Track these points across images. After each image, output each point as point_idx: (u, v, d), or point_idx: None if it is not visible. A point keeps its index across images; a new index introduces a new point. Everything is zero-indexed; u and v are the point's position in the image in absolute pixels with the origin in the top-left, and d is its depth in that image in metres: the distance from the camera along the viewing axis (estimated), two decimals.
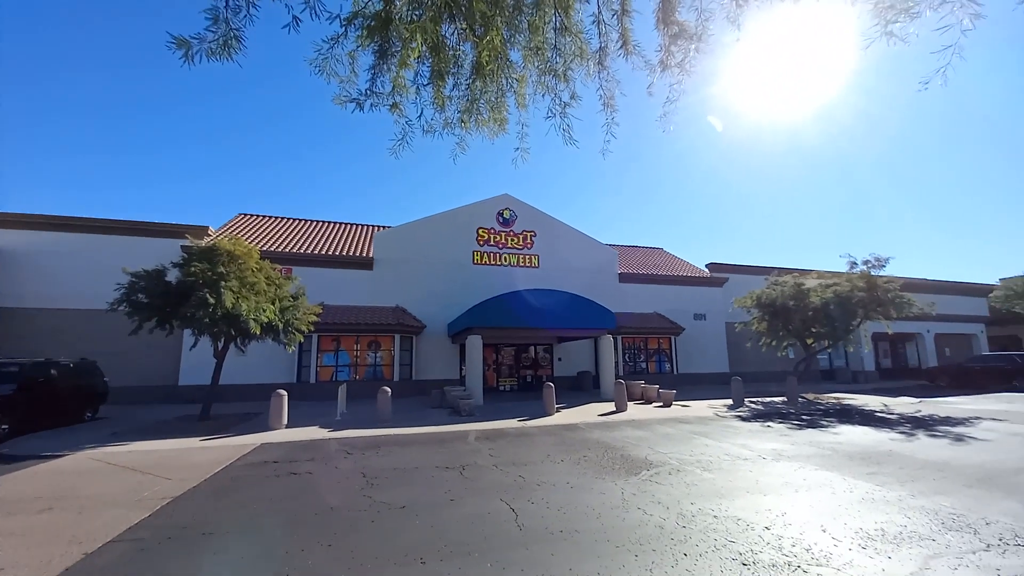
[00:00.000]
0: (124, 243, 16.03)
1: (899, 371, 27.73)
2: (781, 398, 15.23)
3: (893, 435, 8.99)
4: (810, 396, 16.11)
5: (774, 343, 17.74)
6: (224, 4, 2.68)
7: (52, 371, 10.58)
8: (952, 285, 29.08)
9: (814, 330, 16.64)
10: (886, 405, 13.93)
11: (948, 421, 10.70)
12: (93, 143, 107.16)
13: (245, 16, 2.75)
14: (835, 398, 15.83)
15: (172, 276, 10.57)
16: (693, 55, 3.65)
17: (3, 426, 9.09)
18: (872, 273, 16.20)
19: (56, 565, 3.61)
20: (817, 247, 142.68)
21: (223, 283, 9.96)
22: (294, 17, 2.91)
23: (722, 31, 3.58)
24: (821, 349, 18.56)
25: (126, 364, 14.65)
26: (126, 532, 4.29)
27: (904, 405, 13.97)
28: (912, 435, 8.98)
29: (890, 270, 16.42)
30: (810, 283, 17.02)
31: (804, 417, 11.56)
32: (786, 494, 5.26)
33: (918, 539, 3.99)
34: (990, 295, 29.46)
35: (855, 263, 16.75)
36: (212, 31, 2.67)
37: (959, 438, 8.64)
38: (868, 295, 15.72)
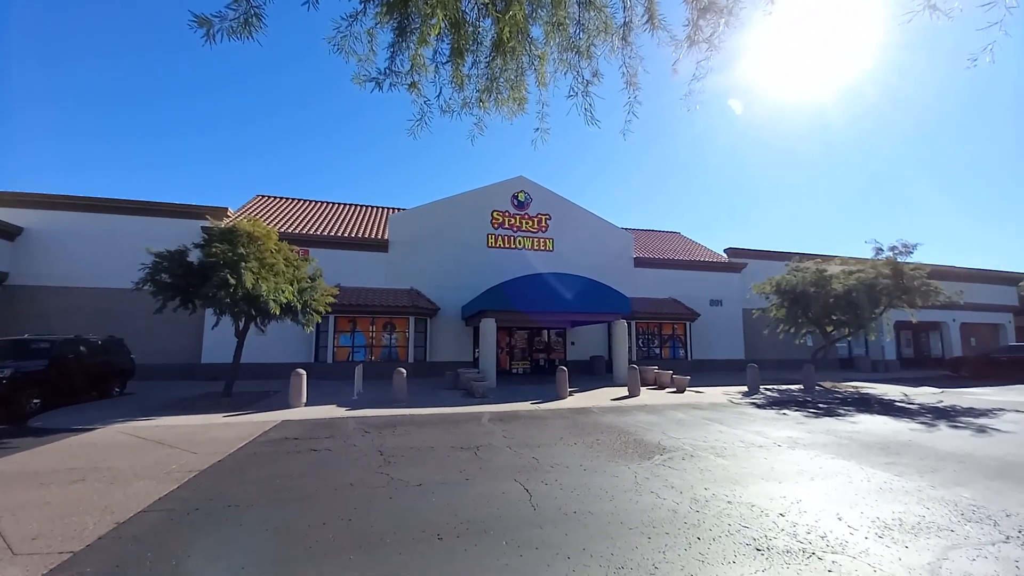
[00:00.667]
0: (145, 223, 16.37)
1: (922, 360, 27.13)
2: (798, 386, 15.06)
3: (913, 425, 8.84)
4: (828, 384, 15.89)
5: (792, 330, 17.45)
6: None
7: (81, 348, 10.97)
8: (980, 273, 28.12)
9: (835, 317, 16.30)
10: (907, 395, 13.67)
11: (971, 412, 10.47)
12: (114, 127, 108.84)
13: None
14: (853, 387, 15.59)
15: (193, 257, 10.78)
16: (722, 30, 3.50)
17: (35, 400, 9.50)
18: (899, 260, 15.73)
19: (90, 533, 3.79)
20: (840, 233, 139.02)
21: (243, 264, 10.12)
22: None
23: (753, 3, 3.42)
24: (841, 337, 18.22)
25: (151, 342, 15.12)
26: (155, 503, 4.47)
27: (926, 395, 13.69)
28: (933, 425, 8.81)
29: (917, 257, 15.93)
30: (833, 269, 16.62)
31: (821, 405, 11.42)
32: (801, 482, 5.23)
33: (936, 530, 3.94)
34: (1020, 284, 28.44)
35: (881, 249, 16.28)
36: (233, 9, 2.64)
37: (981, 429, 8.45)
38: (893, 282, 15.30)
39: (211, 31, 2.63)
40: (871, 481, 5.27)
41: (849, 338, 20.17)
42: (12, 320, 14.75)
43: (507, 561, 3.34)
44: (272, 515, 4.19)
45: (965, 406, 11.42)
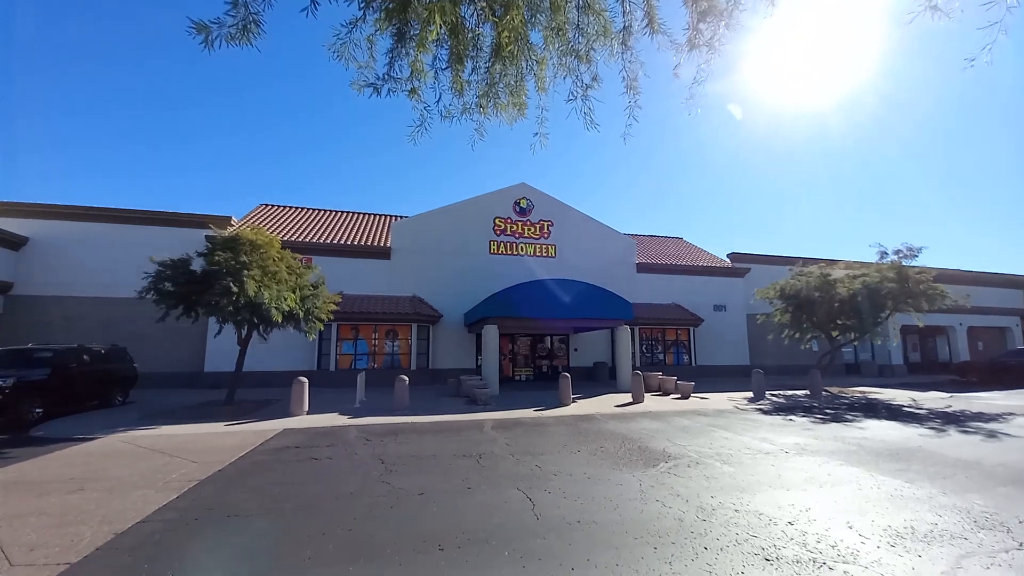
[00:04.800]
0: (149, 233, 16.46)
1: (929, 365, 26.84)
2: (804, 392, 14.90)
3: (922, 431, 8.70)
4: (834, 390, 15.72)
5: (797, 335, 17.33)
6: None
7: (84, 356, 10.97)
8: (986, 276, 27.87)
9: (840, 322, 16.18)
10: (915, 400, 13.50)
11: (980, 417, 10.31)
12: (117, 135, 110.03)
13: (263, 0, 2.72)
14: (861, 392, 15.42)
15: (197, 265, 10.80)
16: (722, 32, 3.49)
17: (37, 410, 9.48)
18: (904, 263, 15.63)
19: (87, 544, 3.74)
20: (844, 238, 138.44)
21: (246, 272, 10.14)
22: (312, 1, 2.87)
23: (753, 7, 3.41)
24: (847, 342, 18.06)
25: (153, 351, 15.12)
26: (154, 513, 4.42)
27: (934, 400, 13.52)
28: (942, 431, 8.67)
29: (922, 261, 15.82)
30: (837, 274, 16.52)
31: (828, 411, 11.28)
32: (810, 490, 5.13)
33: (949, 537, 3.85)
34: None
35: (885, 253, 16.20)
36: (231, 15, 2.65)
37: (992, 434, 8.31)
38: (899, 286, 15.18)
39: (209, 37, 2.63)
40: (881, 488, 5.17)
41: (855, 343, 19.99)
42: (16, 329, 14.79)
43: (510, 572, 3.27)
44: (272, 525, 4.14)
45: (974, 411, 11.25)
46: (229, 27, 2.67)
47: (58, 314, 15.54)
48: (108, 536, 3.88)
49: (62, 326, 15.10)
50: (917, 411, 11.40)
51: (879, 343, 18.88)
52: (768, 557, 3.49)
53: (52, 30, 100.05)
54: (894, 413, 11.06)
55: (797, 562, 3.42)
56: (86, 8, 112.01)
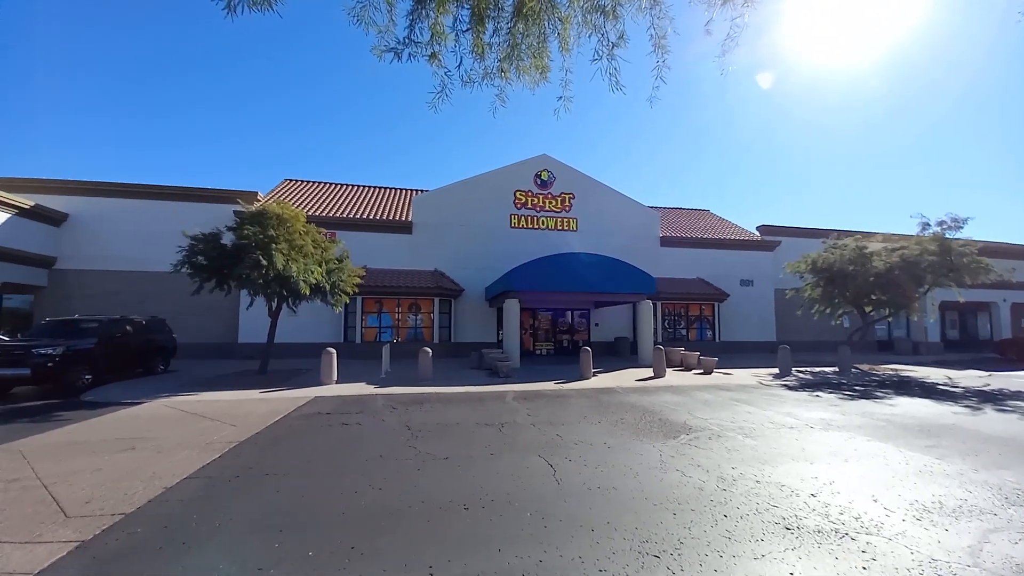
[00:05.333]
0: (180, 208, 16.98)
1: (967, 342, 25.78)
2: (832, 368, 14.57)
3: (957, 408, 8.43)
4: (864, 367, 15.30)
5: (828, 311, 16.77)
6: None
7: (127, 327, 11.58)
8: None
9: (874, 297, 15.57)
10: (950, 378, 13.05)
11: (1020, 395, 9.92)
12: (147, 105, 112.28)
13: None
14: (892, 369, 14.97)
15: (227, 239, 11.12)
16: None
17: (86, 376, 10.11)
18: (947, 235, 14.81)
19: (140, 497, 4.03)
20: (881, 210, 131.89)
21: (273, 245, 10.40)
22: None
23: None
24: (881, 318, 17.43)
25: (191, 323, 15.82)
26: (198, 471, 4.72)
27: (971, 378, 13.04)
28: (978, 409, 8.39)
29: (966, 233, 14.96)
30: (874, 246, 15.81)
31: (857, 388, 11.03)
32: (834, 463, 5.08)
33: (978, 513, 3.77)
34: None
35: (928, 224, 15.34)
36: None
37: None
38: (940, 259, 14.43)
39: (232, 3, 2.62)
40: (910, 464, 5.07)
41: (889, 319, 19.30)
42: (60, 302, 15.67)
43: (532, 532, 3.38)
44: (306, 484, 4.37)
45: (1013, 389, 10.82)
46: None
47: (98, 287, 16.36)
48: (158, 490, 4.17)
49: (102, 298, 15.91)
50: (952, 389, 11.03)
51: (916, 319, 18.13)
52: (789, 526, 3.50)
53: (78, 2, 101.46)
54: (927, 391, 10.73)
55: (819, 532, 3.41)
56: None
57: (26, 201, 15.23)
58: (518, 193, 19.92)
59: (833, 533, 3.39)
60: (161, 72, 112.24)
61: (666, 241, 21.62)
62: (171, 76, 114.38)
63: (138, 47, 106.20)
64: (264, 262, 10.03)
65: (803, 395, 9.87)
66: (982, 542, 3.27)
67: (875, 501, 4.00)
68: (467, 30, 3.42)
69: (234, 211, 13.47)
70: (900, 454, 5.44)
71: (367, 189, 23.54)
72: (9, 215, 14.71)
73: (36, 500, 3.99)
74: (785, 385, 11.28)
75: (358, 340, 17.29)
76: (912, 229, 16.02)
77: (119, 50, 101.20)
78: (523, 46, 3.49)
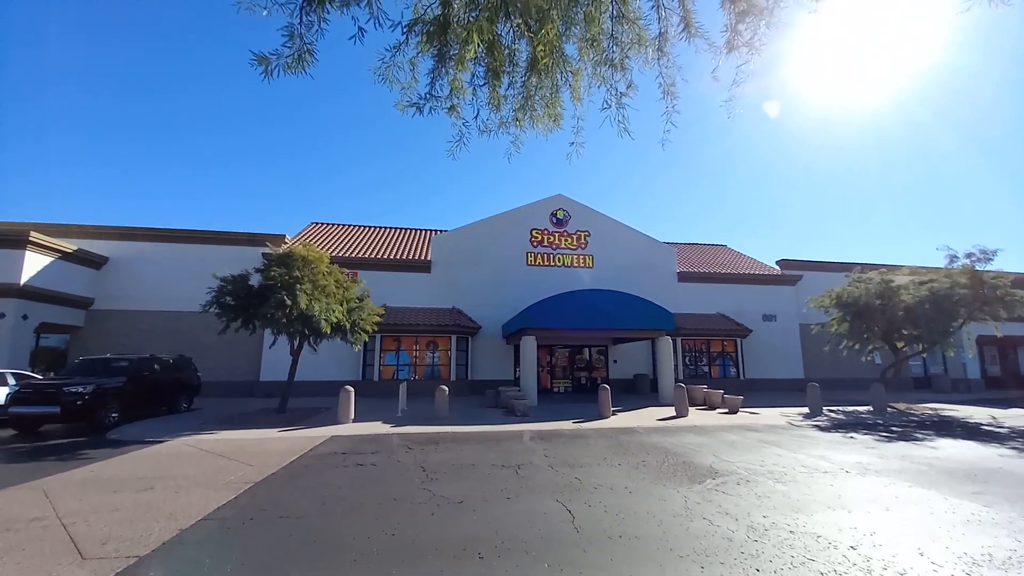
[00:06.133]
0: (211, 251, 17.72)
1: (1009, 379, 24.31)
2: (866, 408, 13.87)
3: (1003, 451, 7.89)
4: (901, 406, 14.53)
5: (857, 346, 16.17)
6: (299, 20, 2.87)
7: (155, 366, 11.89)
8: None
9: (905, 332, 15.00)
10: (994, 417, 12.27)
11: None
12: (182, 158, 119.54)
13: (317, 31, 2.93)
14: (932, 408, 14.17)
15: (254, 281, 11.52)
16: (763, 32, 3.42)
17: (113, 414, 10.32)
18: (976, 267, 14.35)
19: (155, 538, 4.03)
20: (902, 245, 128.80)
21: (298, 286, 10.72)
22: (360, 28, 3.07)
23: (796, 5, 3.33)
24: (914, 354, 16.70)
25: (214, 361, 16.15)
26: (215, 511, 4.70)
27: (1016, 418, 12.23)
28: None
29: (997, 264, 14.47)
30: (900, 280, 15.39)
31: (894, 429, 10.45)
32: (874, 511, 4.77)
33: None
34: None
35: (956, 256, 14.92)
36: (288, 47, 2.87)
37: None
38: (972, 292, 13.93)
39: (269, 67, 2.86)
40: (956, 512, 4.73)
41: (924, 355, 18.46)
42: (95, 340, 16.26)
43: None
44: (320, 526, 4.30)
45: None
46: (286, 57, 2.90)
47: (131, 326, 16.96)
48: (174, 531, 4.16)
49: (135, 337, 16.45)
50: (997, 429, 10.35)
51: (952, 355, 17.30)
52: None
53: (112, 57, 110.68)
54: (970, 431, 10.09)
55: None
56: (146, 37, 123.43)
57: (69, 246, 16.16)
58: (534, 232, 20.24)
59: None
60: (196, 127, 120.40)
61: (683, 276, 21.46)
62: (208, 131, 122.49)
63: (172, 105, 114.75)
64: (288, 302, 10.32)
65: (836, 436, 9.39)
66: None
67: (921, 554, 3.72)
68: (484, 84, 3.63)
69: (262, 253, 13.99)
70: (945, 501, 5.08)
71: (388, 230, 24.26)
72: (52, 259, 15.58)
73: (55, 539, 4.03)
74: (816, 426, 10.76)
75: (376, 378, 17.32)
76: (939, 262, 15.58)
77: (151, 110, 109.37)
78: (536, 97, 3.67)
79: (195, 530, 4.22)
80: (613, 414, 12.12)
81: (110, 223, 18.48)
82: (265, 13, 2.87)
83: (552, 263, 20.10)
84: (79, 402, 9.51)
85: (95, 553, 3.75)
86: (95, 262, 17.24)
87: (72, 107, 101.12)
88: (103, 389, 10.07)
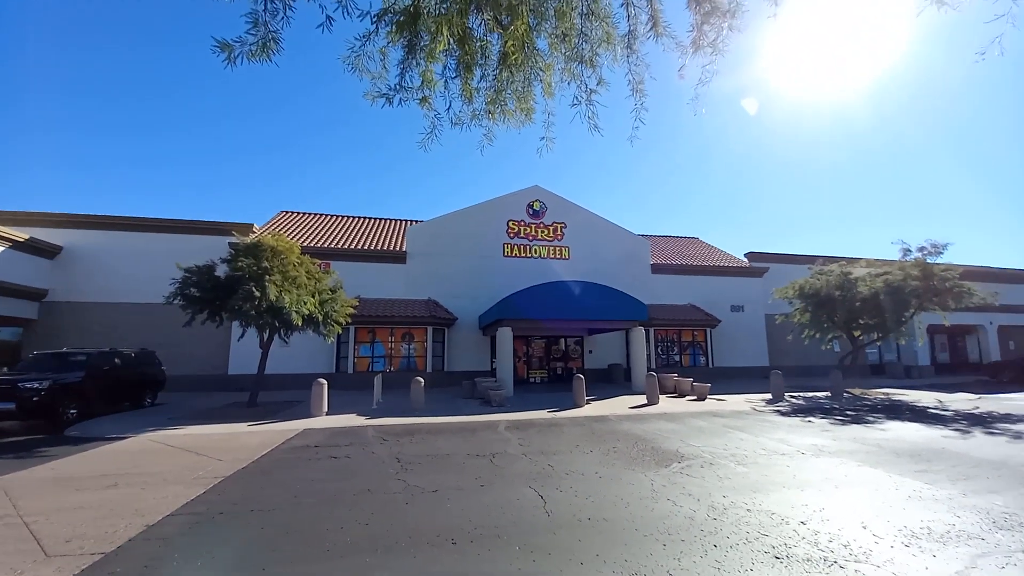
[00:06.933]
0: (175, 241, 17.05)
1: (958, 366, 25.96)
2: (824, 393, 14.61)
3: (947, 432, 8.49)
4: (856, 391, 15.36)
5: (818, 335, 17.00)
6: (263, 7, 2.81)
7: (116, 360, 11.44)
8: (1019, 273, 26.87)
9: (862, 322, 15.82)
10: (941, 401, 13.12)
11: (1008, 418, 9.99)
12: (142, 154, 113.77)
13: (282, 18, 2.88)
14: (884, 393, 15.04)
15: (221, 271, 11.18)
16: (727, 33, 3.53)
17: (72, 410, 9.93)
18: (928, 260, 15.22)
19: (121, 535, 3.95)
20: (868, 236, 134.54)
21: (267, 277, 10.47)
22: (327, 17, 3.02)
23: (758, 7, 3.46)
24: (870, 342, 17.65)
25: (180, 354, 15.63)
26: (183, 507, 4.64)
27: (961, 401, 13.12)
28: (968, 432, 8.44)
29: (948, 257, 15.39)
30: (858, 272, 16.18)
31: (849, 413, 11.06)
32: (825, 490, 5.09)
33: (966, 538, 3.79)
34: None
35: (909, 250, 15.80)
36: (252, 34, 2.81)
37: (1019, 435, 8.08)
38: (923, 284, 14.79)
39: (232, 55, 2.80)
40: (900, 489, 5.09)
41: (879, 343, 19.54)
42: (51, 334, 15.48)
43: (520, 566, 3.35)
44: (293, 518, 4.30)
45: (1002, 412, 10.91)
46: (250, 45, 2.84)
47: (90, 319, 16.21)
48: (140, 528, 4.10)
49: (94, 331, 15.74)
50: (942, 412, 11.09)
51: (904, 343, 18.37)
52: (779, 555, 3.50)
53: (79, 55, 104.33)
54: (918, 415, 10.78)
55: (808, 560, 3.42)
56: (112, 36, 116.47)
57: (20, 234, 15.27)
58: (511, 223, 20.26)
59: (822, 561, 3.40)
60: (160, 92, 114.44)
61: (657, 268, 21.93)
62: (170, 96, 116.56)
63: (138, 67, 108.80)
64: (257, 293, 10.08)
65: (796, 421, 9.88)
66: (969, 567, 3.29)
67: (864, 528, 4.01)
68: (455, 76, 3.63)
69: (229, 243, 13.56)
70: (890, 479, 5.46)
71: (362, 220, 23.83)
72: (2, 248, 14.71)
73: (17, 538, 3.92)
74: (778, 411, 11.29)
75: (350, 370, 17.14)
76: (895, 255, 16.43)
77: (116, 70, 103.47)
78: (508, 91, 3.70)
79: (163, 526, 4.16)
80: (587, 403, 12.39)
81: (64, 207, 17.52)
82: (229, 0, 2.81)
83: (529, 254, 20.20)
84: (35, 398, 9.13)
85: (59, 551, 3.67)
86: (48, 252, 16.35)
87: (17, 67, 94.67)
88: (60, 384, 9.66)
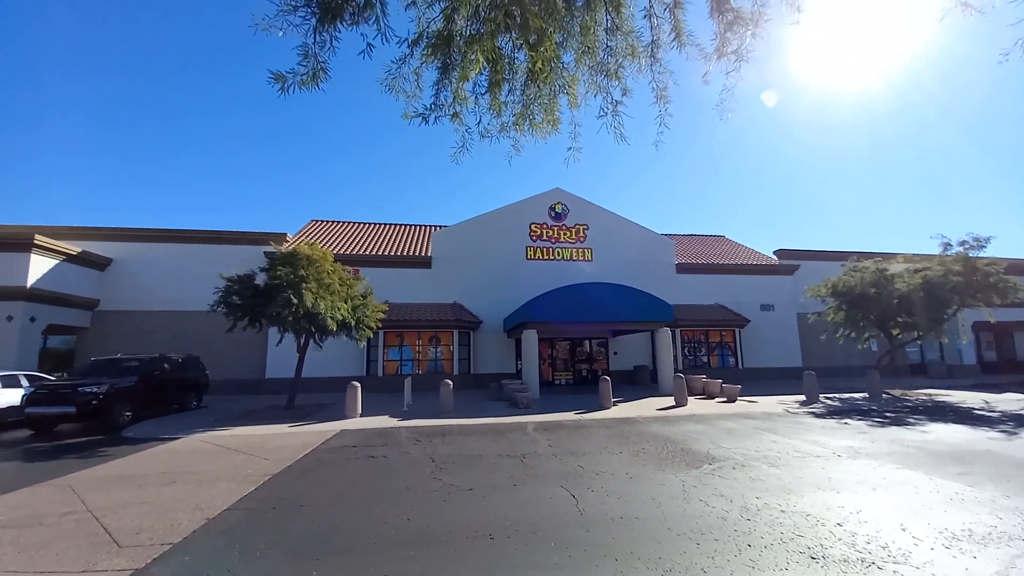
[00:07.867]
0: (214, 251, 17.90)
1: (1005, 365, 24.60)
2: (861, 394, 14.16)
3: (992, 434, 8.16)
4: (896, 392, 14.82)
5: (853, 335, 16.43)
6: (312, 39, 3.06)
7: (165, 365, 12.13)
8: None
9: (900, 320, 15.24)
10: (987, 402, 12.55)
11: None
12: (186, 174, 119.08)
13: (329, 49, 3.12)
14: (926, 394, 14.47)
15: (259, 280, 11.73)
16: (750, 41, 3.60)
17: (127, 413, 10.58)
18: (970, 255, 14.56)
19: (185, 527, 4.28)
20: (898, 232, 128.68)
21: (304, 284, 10.93)
22: (368, 44, 3.26)
23: (781, 14, 3.51)
24: (909, 341, 16.97)
25: (221, 360, 16.39)
26: (237, 502, 4.96)
27: (1008, 402, 12.51)
28: (1014, 434, 8.10)
29: (990, 251, 14.68)
30: (895, 268, 15.60)
31: (888, 414, 10.73)
32: (862, 492, 5.03)
33: (1007, 540, 3.73)
34: None
35: (949, 244, 15.13)
36: (303, 65, 3.06)
37: None
38: (965, 280, 14.14)
39: (285, 85, 3.06)
40: (940, 491, 4.99)
41: (919, 342, 18.75)
42: (102, 342, 16.48)
43: (556, 560, 3.49)
44: (338, 514, 4.56)
45: None
46: (301, 75, 3.09)
47: (137, 327, 17.18)
48: (201, 521, 4.42)
49: (141, 338, 16.66)
50: (988, 414, 10.63)
51: (946, 341, 17.57)
52: (814, 556, 3.52)
53: (121, 84, 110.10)
54: (962, 416, 10.37)
55: (845, 561, 3.43)
56: (157, 63, 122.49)
57: (73, 248, 16.33)
58: (533, 226, 20.41)
59: (859, 562, 3.41)
60: (199, 112, 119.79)
61: (682, 268, 21.67)
62: (210, 116, 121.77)
63: (175, 92, 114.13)
64: (295, 300, 10.53)
65: (830, 423, 9.66)
66: (1008, 567, 3.25)
67: (903, 530, 3.97)
68: (485, 93, 3.81)
69: (265, 252, 14.19)
70: (930, 482, 5.34)
71: (389, 227, 24.41)
72: (57, 261, 15.75)
73: (89, 532, 4.28)
74: (812, 413, 11.04)
75: (380, 373, 17.59)
76: (933, 250, 15.77)
77: (153, 95, 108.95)
78: (535, 104, 3.86)
79: (222, 519, 4.47)
80: (614, 405, 12.40)
81: (111, 224, 18.62)
82: (281, 34, 3.06)
83: (551, 257, 20.29)
84: (94, 402, 9.77)
85: (131, 542, 4.00)
86: (99, 264, 17.42)
87: (94, 130, 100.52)
88: (116, 389, 10.32)
